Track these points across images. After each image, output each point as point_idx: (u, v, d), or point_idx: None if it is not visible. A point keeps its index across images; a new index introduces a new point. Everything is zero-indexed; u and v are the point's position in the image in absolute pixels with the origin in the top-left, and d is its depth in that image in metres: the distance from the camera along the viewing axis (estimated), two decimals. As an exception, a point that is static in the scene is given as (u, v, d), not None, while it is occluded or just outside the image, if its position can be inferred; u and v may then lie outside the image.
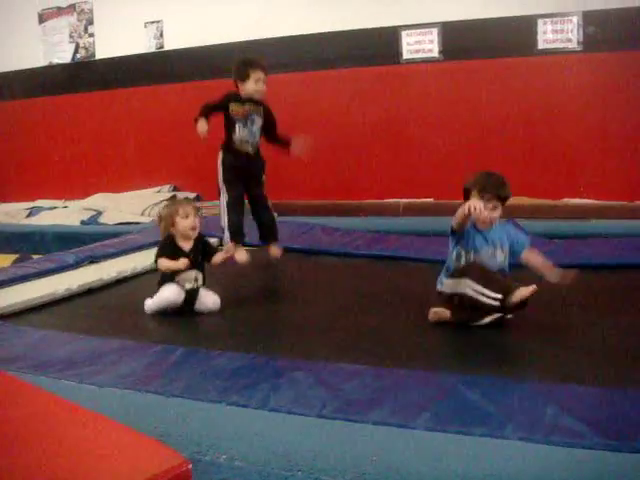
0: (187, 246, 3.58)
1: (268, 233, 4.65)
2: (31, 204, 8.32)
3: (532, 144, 6.43)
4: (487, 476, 1.80)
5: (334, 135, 7.09)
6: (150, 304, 3.59)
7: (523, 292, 2.93)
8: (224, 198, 4.52)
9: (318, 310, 3.70)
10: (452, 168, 6.69)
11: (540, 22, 6.30)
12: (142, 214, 7.20)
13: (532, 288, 2.92)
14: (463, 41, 6.61)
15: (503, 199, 3.13)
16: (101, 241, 5.48)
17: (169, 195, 7.60)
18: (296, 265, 4.85)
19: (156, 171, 7.98)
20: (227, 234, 4.43)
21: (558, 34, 6.28)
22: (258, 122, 4.51)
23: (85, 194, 8.05)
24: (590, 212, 5.82)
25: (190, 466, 1.68)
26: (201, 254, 3.62)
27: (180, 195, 7.64)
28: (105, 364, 2.75)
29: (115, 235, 5.83)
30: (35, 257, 5.56)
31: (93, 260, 4.82)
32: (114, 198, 7.78)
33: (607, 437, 1.95)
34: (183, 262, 3.50)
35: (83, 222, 7.26)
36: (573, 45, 6.25)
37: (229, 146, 4.50)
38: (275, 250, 4.57)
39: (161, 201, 7.37)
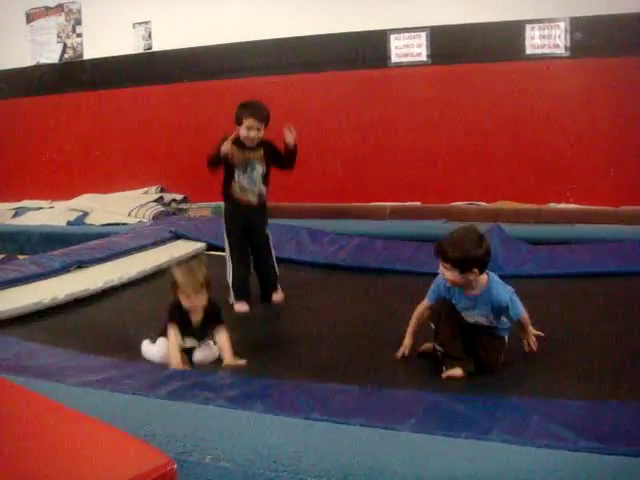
0: (196, 317, 3.23)
1: (268, 286, 4.31)
2: (17, 204, 8.26)
3: (519, 148, 6.46)
4: (471, 477, 1.81)
5: (321, 138, 7.09)
6: (147, 353, 3.27)
7: (450, 373, 2.87)
8: (227, 251, 4.24)
9: (303, 327, 3.71)
10: (439, 172, 6.73)
11: (528, 27, 6.34)
12: (129, 215, 7.17)
13: (460, 373, 2.86)
14: (451, 45, 6.63)
15: (451, 261, 2.87)
16: (87, 242, 5.45)
17: (156, 196, 7.58)
18: (281, 276, 4.82)
19: (143, 172, 7.95)
20: (232, 293, 4.12)
21: (546, 39, 6.31)
22: (259, 169, 4.24)
23: (71, 195, 8.00)
24: (575, 217, 5.85)
25: (175, 466, 1.68)
26: (210, 321, 3.26)
27: (167, 197, 7.63)
28: (91, 372, 2.75)
29: (101, 236, 5.80)
30: (21, 257, 5.53)
31: (80, 265, 4.77)
32: (101, 199, 7.74)
33: (589, 441, 1.97)
34: (177, 363, 3.11)
35: (69, 223, 7.22)
36: (561, 50, 6.29)
37: (229, 194, 4.26)
38: (277, 297, 4.26)
39: (148, 202, 7.35)
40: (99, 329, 3.72)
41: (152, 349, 3.23)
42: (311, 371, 2.98)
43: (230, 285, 4.13)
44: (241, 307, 4.07)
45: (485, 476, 1.82)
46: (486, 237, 2.97)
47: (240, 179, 4.20)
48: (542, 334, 3.12)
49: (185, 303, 3.16)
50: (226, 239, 4.26)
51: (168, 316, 3.19)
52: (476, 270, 2.86)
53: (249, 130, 4.11)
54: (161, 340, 3.20)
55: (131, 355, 3.18)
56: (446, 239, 2.94)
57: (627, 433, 2.05)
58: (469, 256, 2.84)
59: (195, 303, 3.16)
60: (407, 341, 3.10)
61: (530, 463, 1.88)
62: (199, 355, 3.21)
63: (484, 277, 2.93)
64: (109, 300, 4.31)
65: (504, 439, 2.01)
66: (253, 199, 4.24)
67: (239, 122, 4.14)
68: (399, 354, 3.09)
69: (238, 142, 4.16)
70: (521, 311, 2.97)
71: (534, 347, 3.04)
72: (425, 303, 3.11)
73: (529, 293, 3.24)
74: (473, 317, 2.98)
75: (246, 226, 4.25)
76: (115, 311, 4.11)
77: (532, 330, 3.06)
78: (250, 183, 4.22)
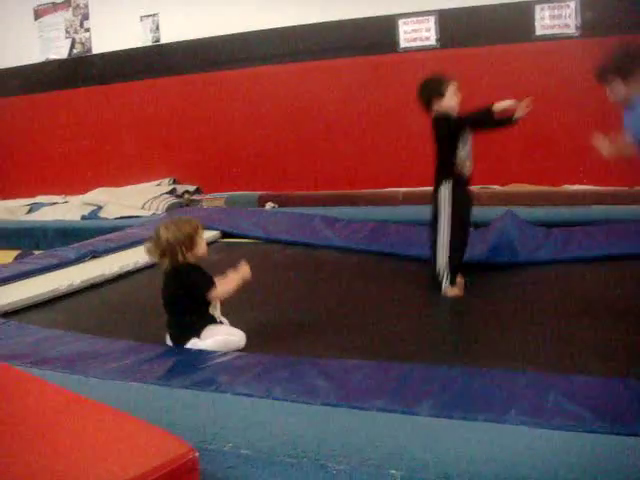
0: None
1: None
2: (31, 200, 8.33)
3: (531, 131, 6.41)
4: (489, 460, 1.82)
5: (332, 126, 7.09)
6: (205, 346, 2.98)
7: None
8: (447, 236, 3.81)
9: (319, 308, 3.71)
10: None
11: (537, 8, 6.29)
12: (142, 207, 7.20)
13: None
14: (460, 29, 6.59)
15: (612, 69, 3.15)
16: (102, 236, 5.49)
17: (169, 188, 7.61)
18: (296, 260, 4.86)
19: (155, 164, 7.98)
20: (446, 278, 3.78)
21: (556, 20, 6.26)
22: (470, 139, 3.90)
23: (85, 189, 8.04)
24: (590, 198, 5.81)
25: (196, 454, 1.70)
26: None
27: (180, 189, 7.65)
28: (110, 360, 2.76)
29: (116, 229, 5.84)
30: (36, 253, 5.57)
31: (95, 255, 4.83)
32: (114, 192, 7.78)
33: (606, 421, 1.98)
34: (247, 268, 3.05)
35: (84, 217, 7.27)
36: (571, 30, 6.24)
37: (453, 171, 3.88)
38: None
39: (161, 194, 7.38)
40: (116, 312, 3.77)
41: (203, 344, 2.98)
42: (330, 350, 2.99)
43: (444, 269, 3.78)
44: (456, 292, 3.79)
45: (503, 459, 1.82)
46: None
47: (462, 150, 3.88)
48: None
49: (203, 248, 3.05)
50: (449, 221, 3.82)
51: (209, 283, 2.99)
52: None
53: (456, 94, 3.86)
54: (210, 340, 3.00)
55: (148, 336, 3.17)
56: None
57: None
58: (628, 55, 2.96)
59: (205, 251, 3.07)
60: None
61: (547, 445, 1.89)
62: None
63: None
64: (125, 284, 4.35)
65: (521, 421, 2.01)
66: (470, 172, 3.93)
67: (439, 93, 3.83)
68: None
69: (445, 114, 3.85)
70: None
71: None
72: None
73: (544, 278, 3.23)
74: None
75: (466, 203, 3.95)
76: (131, 294, 4.14)
77: None
78: (469, 154, 3.92)
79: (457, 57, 6.61)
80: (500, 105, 3.73)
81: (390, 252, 4.81)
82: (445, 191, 3.85)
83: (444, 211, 3.83)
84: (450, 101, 3.83)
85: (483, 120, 3.83)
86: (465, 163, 3.87)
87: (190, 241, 3.01)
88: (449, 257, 3.78)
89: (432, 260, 3.86)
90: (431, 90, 3.87)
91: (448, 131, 3.82)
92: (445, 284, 3.76)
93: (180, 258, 3.01)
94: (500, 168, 6.53)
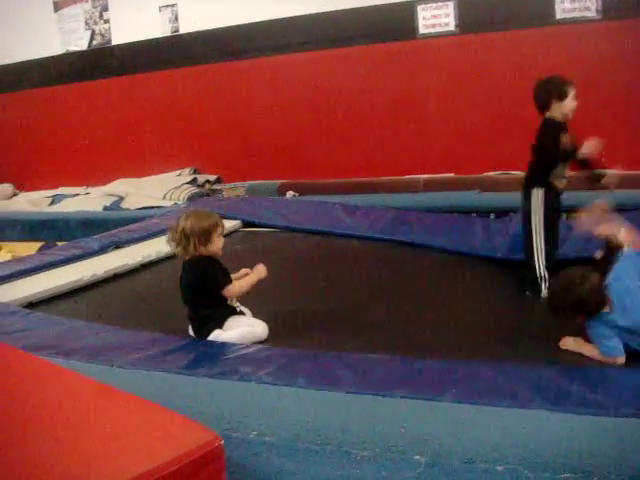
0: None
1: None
2: (53, 192, 8.40)
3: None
4: (514, 445, 1.83)
5: (352, 113, 7.07)
6: (228, 337, 2.99)
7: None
8: (542, 241, 3.70)
9: (342, 301, 3.70)
10: (472, 142, 6.66)
11: (558, -9, 6.23)
12: (164, 198, 7.24)
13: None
14: (479, 14, 6.54)
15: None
16: (124, 226, 5.53)
17: (190, 178, 7.64)
18: (318, 250, 4.86)
19: (176, 154, 8.00)
20: (544, 283, 3.63)
21: (576, 3, 6.19)
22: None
23: (106, 180, 8.09)
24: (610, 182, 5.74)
25: (222, 442, 1.72)
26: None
27: (200, 178, 7.68)
28: (134, 351, 2.79)
29: (138, 220, 5.87)
30: (60, 244, 5.63)
31: (118, 245, 4.87)
32: (135, 183, 7.82)
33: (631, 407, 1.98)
34: (262, 268, 3.13)
35: (106, 208, 7.33)
36: (592, 13, 6.16)
37: (548, 183, 3.74)
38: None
39: (182, 184, 7.41)
40: (140, 302, 3.80)
41: (227, 335, 3.00)
42: (353, 342, 3.00)
43: (542, 273, 3.66)
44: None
45: (528, 444, 1.83)
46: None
47: (560, 168, 3.74)
48: None
49: (218, 247, 3.04)
50: (541, 225, 3.71)
51: (225, 278, 3.02)
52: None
53: (575, 99, 3.74)
54: (232, 332, 3.02)
55: (170, 325, 3.20)
56: (552, 293, 2.94)
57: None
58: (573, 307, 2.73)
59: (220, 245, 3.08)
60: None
61: (572, 430, 1.89)
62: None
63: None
64: (148, 274, 4.38)
65: (544, 407, 2.02)
66: (563, 185, 3.82)
67: (561, 95, 3.70)
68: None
69: (562, 125, 3.75)
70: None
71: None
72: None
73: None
74: None
75: (557, 210, 3.86)
76: (154, 284, 4.17)
77: (585, 350, 2.77)
78: (564, 169, 3.79)
79: (477, 43, 6.57)
80: (585, 150, 3.65)
81: (412, 242, 4.77)
82: (537, 197, 3.73)
83: (536, 216, 3.72)
84: (570, 104, 3.71)
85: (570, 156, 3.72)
86: (562, 180, 3.77)
87: (206, 236, 3.01)
88: (545, 261, 3.67)
89: (527, 262, 3.73)
90: (552, 91, 3.72)
91: (555, 143, 3.67)
92: (544, 288, 3.61)
93: (192, 250, 3.01)
94: (520, 153, 6.48)
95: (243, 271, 3.25)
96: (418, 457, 1.82)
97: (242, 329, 3.02)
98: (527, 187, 3.77)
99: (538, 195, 3.72)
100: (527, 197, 3.75)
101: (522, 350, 2.86)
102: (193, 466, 1.64)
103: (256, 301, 3.27)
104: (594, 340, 2.71)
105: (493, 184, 6.08)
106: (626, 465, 1.71)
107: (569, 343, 2.81)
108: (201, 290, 3.05)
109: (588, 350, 2.73)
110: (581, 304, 2.69)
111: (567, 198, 3.85)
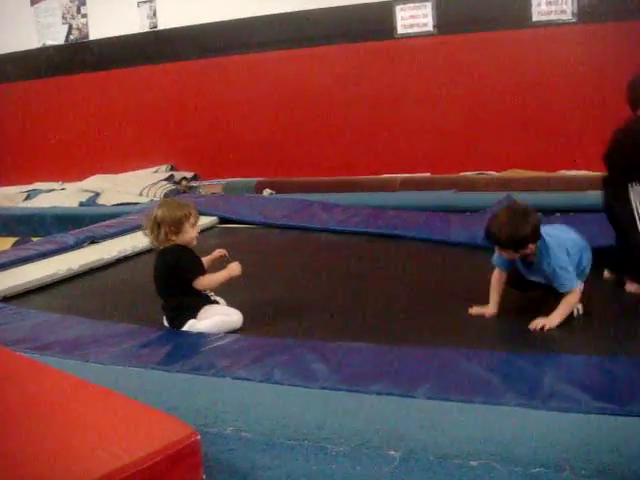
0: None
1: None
2: (29, 187, 8.32)
3: (527, 116, 6.43)
4: (487, 441, 1.85)
5: (330, 112, 7.09)
6: (203, 327, 3.01)
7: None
8: None
9: (316, 290, 3.71)
10: (448, 142, 6.71)
11: (535, -6, 6.29)
12: (140, 194, 7.20)
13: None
14: (457, 14, 6.58)
15: (503, 245, 2.92)
16: (100, 222, 5.50)
17: (167, 175, 7.61)
18: (293, 243, 4.88)
19: (153, 151, 7.97)
20: None
21: (552, 5, 6.26)
22: None
23: (83, 176, 8.04)
24: (586, 184, 5.82)
25: (199, 437, 1.73)
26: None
27: (177, 175, 7.66)
28: (109, 344, 2.79)
29: (114, 216, 5.84)
30: (35, 240, 5.59)
31: (93, 241, 4.86)
32: (112, 179, 7.78)
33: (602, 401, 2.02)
34: (236, 266, 3.13)
35: (82, 204, 7.29)
36: (568, 16, 6.23)
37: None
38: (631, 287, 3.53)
39: (158, 181, 7.39)
40: (115, 295, 3.79)
41: (201, 325, 3.01)
42: (327, 331, 3.02)
43: None
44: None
45: (500, 440, 1.86)
46: (530, 212, 2.92)
47: None
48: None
49: (190, 237, 3.05)
50: None
51: (195, 270, 3.03)
52: (530, 245, 2.87)
53: None
54: (207, 321, 3.03)
55: (146, 318, 3.20)
56: (492, 223, 2.93)
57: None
58: (518, 236, 2.84)
59: (196, 235, 3.10)
60: (491, 309, 3.08)
61: (544, 427, 1.92)
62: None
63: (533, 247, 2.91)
64: (124, 268, 4.37)
65: (518, 403, 2.05)
66: None
67: None
68: (474, 311, 3.10)
69: None
70: (566, 285, 2.91)
71: (537, 327, 2.86)
72: (496, 271, 3.10)
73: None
74: (533, 277, 3.06)
75: None
76: (130, 278, 4.15)
77: (559, 315, 2.89)
78: None
79: (454, 43, 6.61)
80: None
81: (387, 233, 4.82)
82: (637, 193, 3.50)
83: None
84: None
85: None
86: None
87: (177, 225, 3.02)
88: None
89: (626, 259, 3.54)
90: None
91: None
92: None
93: (162, 238, 3.03)
94: (497, 154, 6.55)
95: (217, 252, 3.30)
96: (393, 452, 1.84)
97: (217, 318, 3.04)
98: (618, 185, 3.54)
99: (636, 190, 3.48)
100: (617, 195, 3.53)
101: (496, 336, 2.92)
102: (170, 461, 1.65)
103: (230, 290, 3.27)
104: (557, 272, 2.88)
105: (469, 184, 6.13)
106: (595, 459, 1.75)
107: (539, 322, 2.87)
108: (174, 278, 3.05)
109: (556, 316, 2.87)
110: (527, 237, 2.84)
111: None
